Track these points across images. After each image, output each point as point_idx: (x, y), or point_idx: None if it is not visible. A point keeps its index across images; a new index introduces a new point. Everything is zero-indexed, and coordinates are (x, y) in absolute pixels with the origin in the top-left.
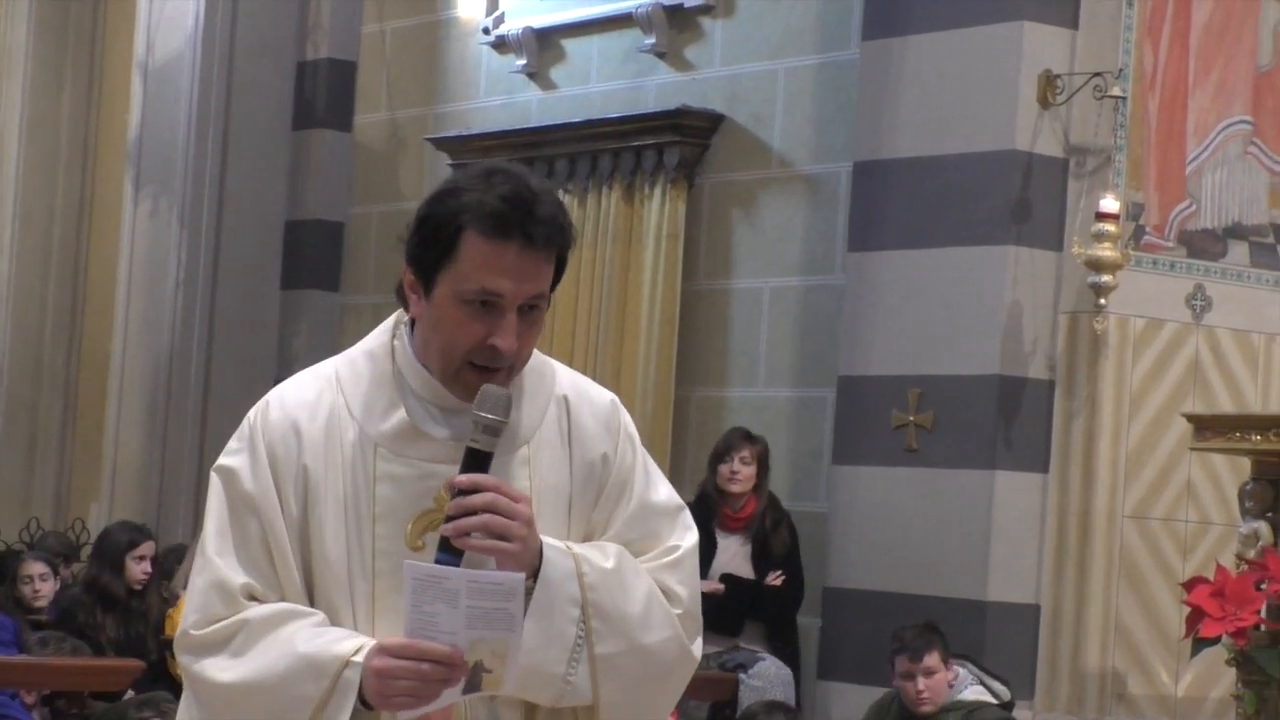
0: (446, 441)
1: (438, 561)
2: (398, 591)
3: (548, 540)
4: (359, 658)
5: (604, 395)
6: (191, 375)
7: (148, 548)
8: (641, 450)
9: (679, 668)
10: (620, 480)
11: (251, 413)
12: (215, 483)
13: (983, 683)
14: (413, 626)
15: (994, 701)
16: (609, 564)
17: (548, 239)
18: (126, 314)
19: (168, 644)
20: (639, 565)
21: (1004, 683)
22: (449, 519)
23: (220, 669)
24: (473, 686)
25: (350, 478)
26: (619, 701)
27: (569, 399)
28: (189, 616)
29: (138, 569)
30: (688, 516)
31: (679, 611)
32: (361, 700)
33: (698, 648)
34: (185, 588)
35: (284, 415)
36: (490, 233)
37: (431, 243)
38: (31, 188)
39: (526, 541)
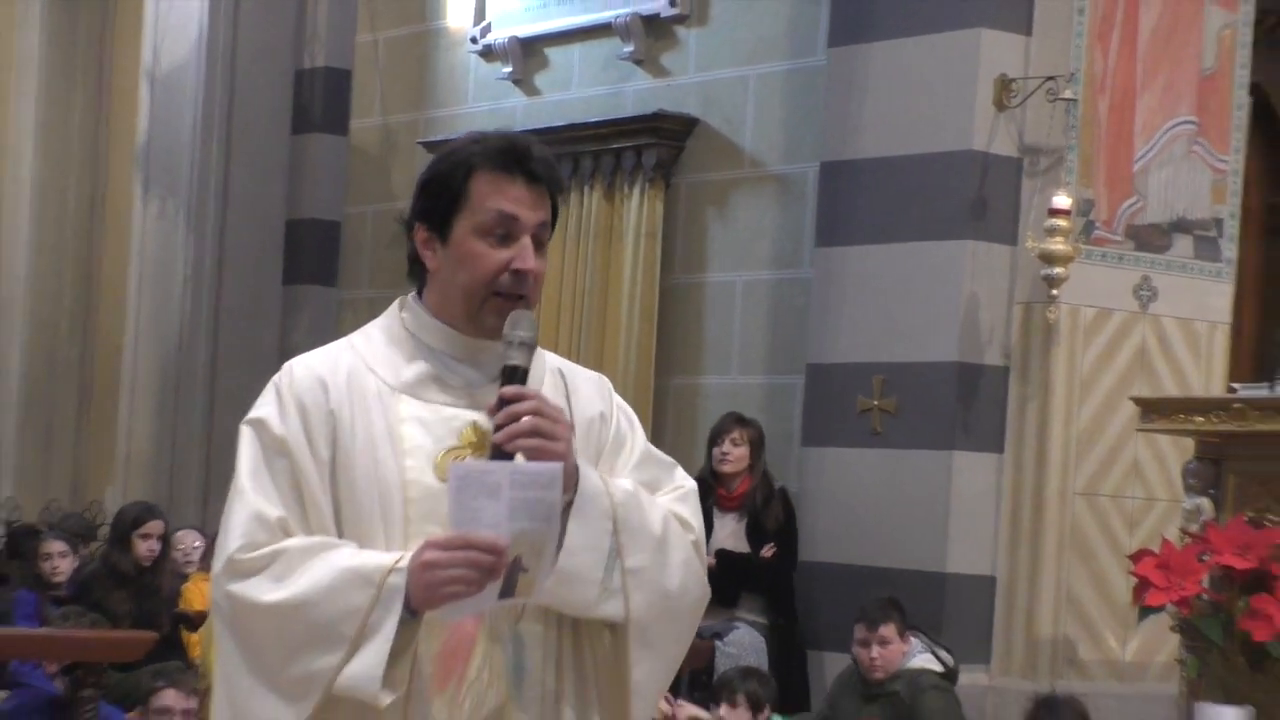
0: (465, 389)
1: None
2: (429, 519)
3: (580, 459)
4: (403, 564)
5: (593, 372)
6: (199, 366)
7: (154, 526)
8: (635, 418)
9: (695, 591)
10: (619, 437)
11: (276, 376)
12: (245, 433)
13: (931, 651)
14: (457, 520)
15: (938, 669)
16: (629, 486)
17: (547, 177)
18: (137, 309)
19: (180, 618)
20: (651, 495)
21: (950, 652)
22: (498, 428)
23: (264, 590)
24: (509, 588)
25: (376, 418)
26: (645, 618)
27: (563, 370)
28: (232, 543)
29: (144, 546)
30: (682, 470)
31: (691, 538)
32: (408, 610)
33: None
34: (193, 560)
35: (309, 371)
36: (498, 168)
37: (441, 193)
38: (45, 190)
39: (569, 445)
